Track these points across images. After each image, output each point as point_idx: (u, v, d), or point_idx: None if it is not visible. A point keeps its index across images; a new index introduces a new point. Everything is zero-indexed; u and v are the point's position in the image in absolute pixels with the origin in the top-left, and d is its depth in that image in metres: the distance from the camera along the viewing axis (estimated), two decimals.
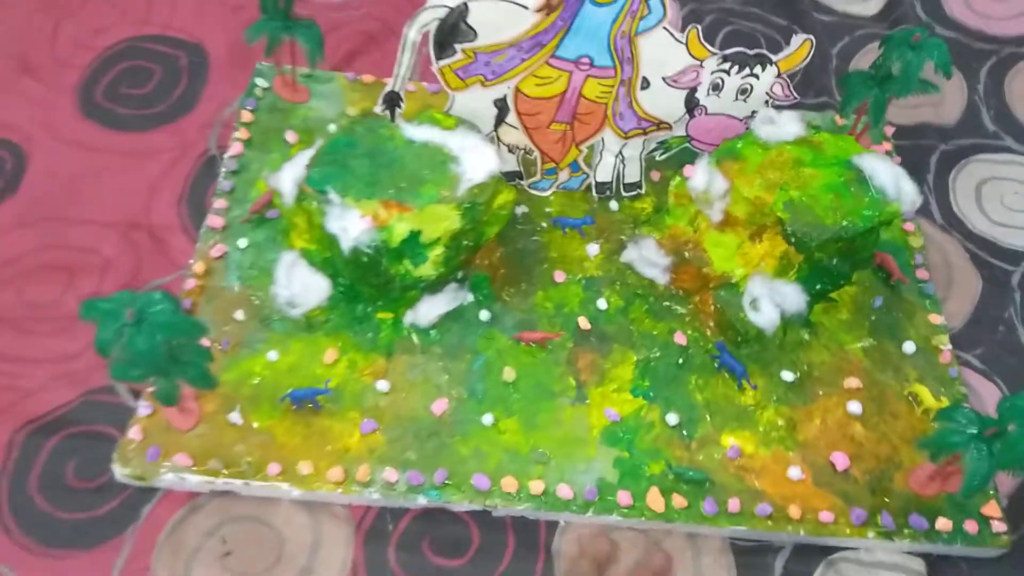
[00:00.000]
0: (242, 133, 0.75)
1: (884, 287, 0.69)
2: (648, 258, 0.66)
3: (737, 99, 0.66)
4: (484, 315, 0.63)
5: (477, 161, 0.59)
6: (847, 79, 0.72)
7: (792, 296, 0.61)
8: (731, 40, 0.93)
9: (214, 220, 0.69)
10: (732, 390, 0.62)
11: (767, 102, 0.66)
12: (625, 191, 0.73)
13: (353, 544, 0.56)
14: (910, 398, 0.63)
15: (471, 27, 0.60)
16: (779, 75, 0.65)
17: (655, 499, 0.56)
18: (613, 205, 0.73)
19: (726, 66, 0.64)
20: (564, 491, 0.56)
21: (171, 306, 0.49)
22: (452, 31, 0.60)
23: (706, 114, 0.67)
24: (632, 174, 0.73)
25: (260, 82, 0.79)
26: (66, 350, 0.64)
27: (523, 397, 0.60)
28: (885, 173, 0.59)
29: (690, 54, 0.63)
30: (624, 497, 0.56)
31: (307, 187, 0.58)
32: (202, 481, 0.56)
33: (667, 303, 0.66)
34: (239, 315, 0.62)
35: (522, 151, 0.70)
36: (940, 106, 0.88)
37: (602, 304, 0.65)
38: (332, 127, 0.74)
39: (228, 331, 0.62)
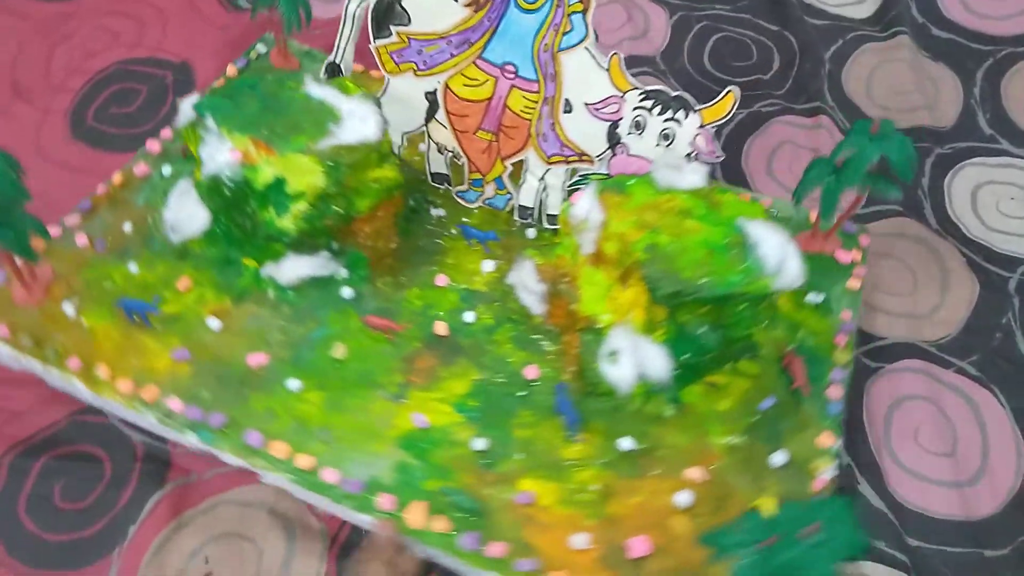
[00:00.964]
0: (219, 82, 0.76)
1: (784, 391, 0.59)
2: (525, 283, 0.62)
3: (659, 144, 0.61)
4: (347, 292, 0.62)
5: (356, 126, 0.59)
6: (810, 166, 0.65)
7: (655, 359, 0.56)
8: (722, 47, 0.93)
9: (152, 144, 0.70)
10: (559, 438, 0.57)
11: (689, 155, 0.61)
12: (547, 222, 0.70)
13: (326, 559, 0.56)
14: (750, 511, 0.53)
15: (405, 10, 0.61)
16: (703, 126, 0.60)
17: (416, 514, 0.52)
18: (531, 232, 0.70)
19: (648, 103, 0.60)
20: (329, 475, 0.53)
21: (4, 166, 0.52)
22: (388, 11, 0.61)
23: (628, 154, 0.63)
24: (554, 205, 0.69)
25: (260, 47, 0.80)
26: None
27: (342, 377, 0.58)
28: (772, 245, 0.54)
29: (612, 83, 0.60)
30: (386, 501, 0.53)
31: (193, 110, 0.59)
32: (10, 354, 0.56)
33: (536, 336, 0.62)
34: (127, 227, 0.64)
35: (450, 154, 0.69)
36: (935, 109, 0.87)
37: (469, 317, 0.63)
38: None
39: (110, 238, 0.64)
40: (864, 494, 0.61)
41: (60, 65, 0.87)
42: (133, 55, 0.88)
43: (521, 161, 0.67)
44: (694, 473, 0.55)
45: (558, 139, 0.64)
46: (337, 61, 0.66)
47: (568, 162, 0.65)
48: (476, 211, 0.71)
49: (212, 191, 0.59)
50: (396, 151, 0.70)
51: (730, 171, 0.81)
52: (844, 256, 0.67)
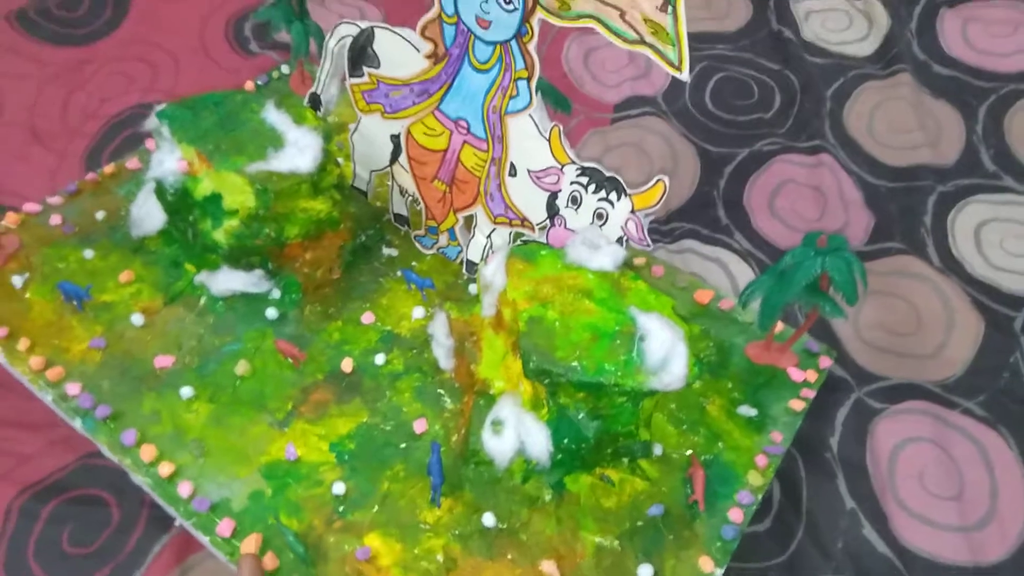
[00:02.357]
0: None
1: (680, 503, 0.56)
2: (437, 335, 0.61)
3: (594, 222, 0.59)
4: (271, 313, 0.63)
5: (292, 156, 0.60)
6: (761, 275, 0.62)
7: (536, 437, 0.53)
8: (724, 86, 0.94)
9: (151, 142, 0.72)
10: (424, 499, 0.55)
11: (620, 240, 0.58)
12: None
13: None
14: None
15: (375, 54, 0.63)
16: (633, 211, 0.57)
17: (250, 546, 0.51)
18: (473, 288, 0.70)
19: (583, 180, 0.58)
20: (184, 488, 0.53)
21: None
22: (361, 52, 0.63)
23: (565, 227, 0.61)
24: None
25: (284, 68, 0.83)
26: None
27: (234, 395, 0.58)
28: (660, 341, 0.51)
29: (552, 154, 0.59)
30: (226, 528, 0.52)
31: (155, 117, 0.62)
32: None
33: (440, 391, 0.61)
34: (100, 215, 0.67)
35: (411, 198, 0.71)
36: (937, 146, 0.87)
37: (379, 360, 0.62)
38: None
39: (81, 223, 0.66)
40: (869, 539, 0.61)
41: (76, 110, 0.89)
42: (147, 99, 0.90)
43: (472, 216, 0.67)
44: (547, 567, 0.52)
45: (503, 200, 0.64)
46: (318, 92, 0.68)
47: (512, 225, 0.65)
48: (429, 258, 0.71)
49: (159, 195, 0.63)
50: (364, 187, 0.72)
51: (733, 209, 0.82)
52: (796, 374, 0.64)
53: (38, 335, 0.59)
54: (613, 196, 0.57)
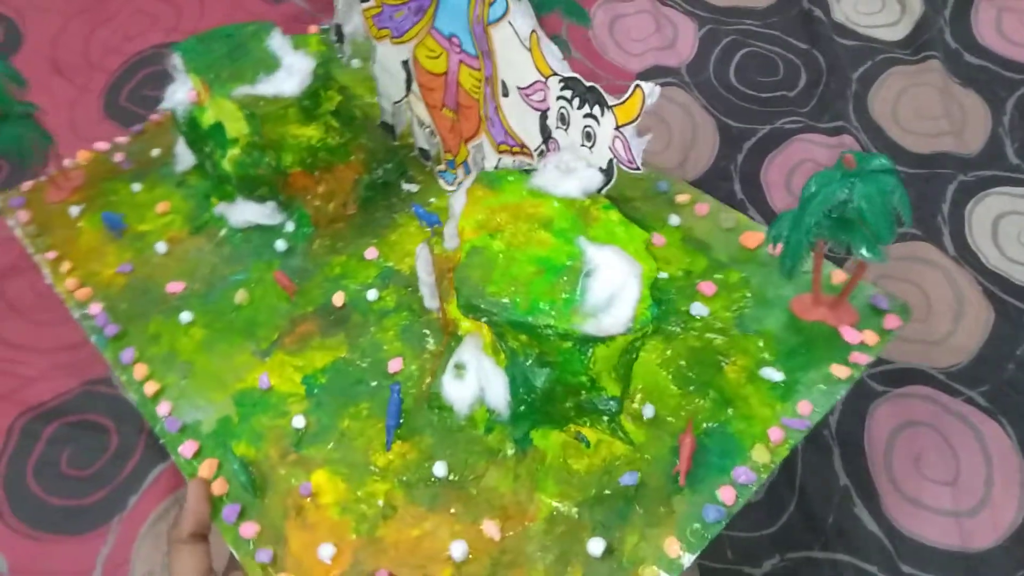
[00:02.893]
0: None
1: (661, 474, 0.48)
2: (420, 272, 0.57)
3: (583, 145, 0.51)
4: (280, 245, 0.63)
5: (280, 80, 0.59)
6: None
7: (494, 383, 0.49)
8: (748, 61, 0.93)
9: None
10: (380, 441, 0.52)
11: (610, 163, 0.50)
12: None
13: None
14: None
15: None
16: (618, 128, 0.49)
17: (205, 470, 0.50)
18: None
19: (567, 93, 0.51)
20: (163, 407, 0.54)
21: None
22: None
23: (558, 151, 0.54)
24: None
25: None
26: (70, 339, 0.66)
27: (229, 322, 0.58)
28: (607, 279, 0.45)
29: (535, 66, 0.52)
30: (188, 449, 0.52)
31: (173, 50, 0.63)
32: (20, 238, 0.64)
33: (426, 331, 0.58)
34: (155, 153, 0.69)
35: (428, 129, 0.67)
36: (962, 135, 0.86)
37: (371, 295, 0.60)
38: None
39: (138, 160, 0.69)
40: (860, 517, 0.61)
41: (99, 45, 0.89)
42: (170, 39, 0.90)
43: (480, 145, 0.63)
44: (490, 527, 0.48)
45: (501, 126, 0.58)
46: (340, 22, 0.67)
47: (513, 153, 0.58)
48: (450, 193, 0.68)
49: (176, 126, 0.64)
50: (389, 120, 0.70)
51: (749, 184, 0.81)
52: (850, 335, 0.52)
53: (80, 259, 0.62)
54: (597, 111, 0.49)
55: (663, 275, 0.56)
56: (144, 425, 0.62)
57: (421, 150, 0.68)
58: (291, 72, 0.60)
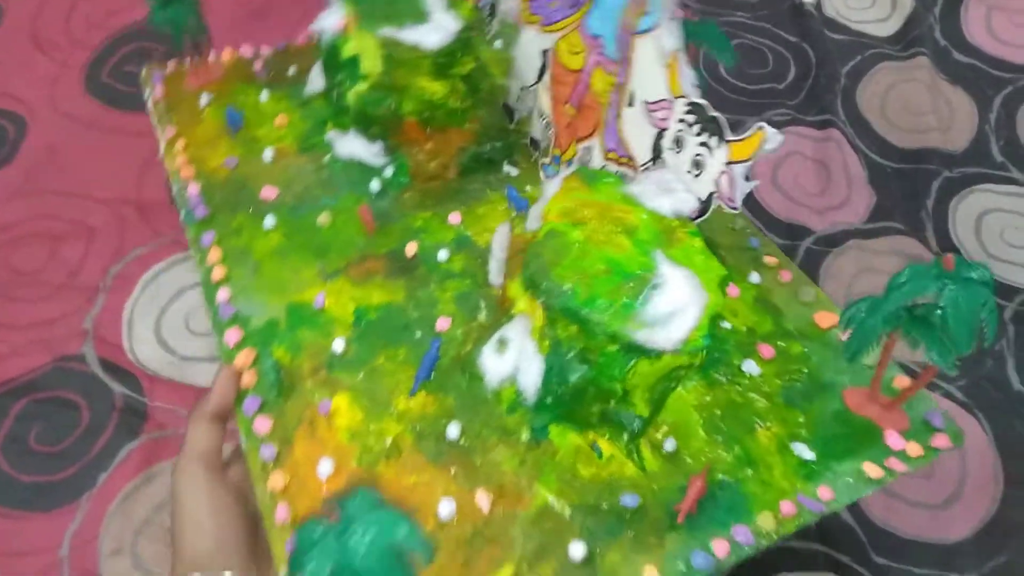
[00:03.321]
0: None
1: (662, 507, 0.48)
2: (494, 248, 0.59)
3: (690, 171, 0.52)
4: (374, 185, 0.65)
5: (423, 31, 0.61)
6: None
7: (530, 367, 0.50)
8: (738, 54, 0.93)
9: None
10: (406, 387, 0.53)
11: (710, 196, 0.50)
12: None
13: None
14: None
15: None
16: (729, 162, 0.49)
17: (242, 359, 0.53)
18: None
19: (690, 118, 0.51)
20: (222, 294, 0.57)
21: None
22: None
23: (663, 171, 0.55)
24: None
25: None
26: (44, 316, 0.66)
27: (306, 240, 0.61)
28: (672, 297, 0.45)
29: (667, 84, 0.53)
30: (233, 336, 0.54)
31: None
32: (151, 111, 0.69)
33: (482, 302, 0.58)
34: (292, 70, 0.73)
35: (545, 121, 0.68)
36: (948, 132, 0.86)
37: (442, 255, 0.61)
38: None
39: (275, 71, 0.73)
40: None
41: (81, 20, 0.88)
42: None
43: (590, 148, 0.64)
44: (481, 497, 0.48)
45: (616, 133, 0.59)
46: (493, 1, 0.68)
47: (619, 162, 0.59)
48: None
49: (319, 50, 0.66)
50: (512, 102, 0.70)
51: None
52: (895, 441, 0.50)
53: (194, 142, 0.66)
54: (713, 141, 0.49)
55: (726, 324, 0.56)
56: (116, 403, 0.61)
57: (533, 139, 0.69)
58: (437, 28, 0.61)
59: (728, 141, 0.48)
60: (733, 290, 0.58)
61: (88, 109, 0.80)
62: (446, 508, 0.47)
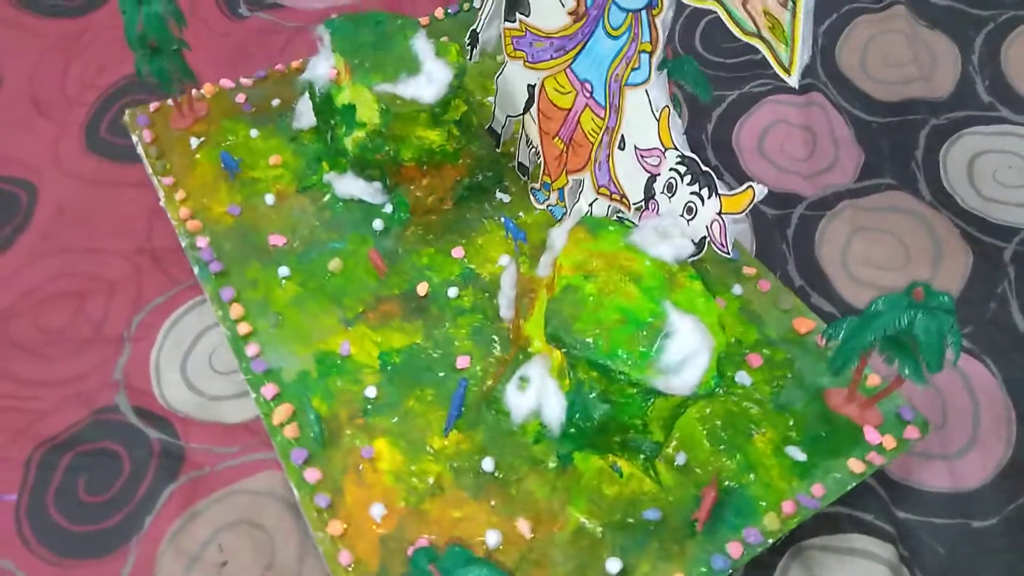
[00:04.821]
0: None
1: (681, 518, 0.54)
2: (503, 285, 0.63)
3: (683, 216, 0.57)
4: (377, 224, 0.68)
5: (420, 85, 0.64)
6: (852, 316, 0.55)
7: (553, 403, 0.54)
8: (713, 28, 0.93)
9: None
10: (439, 426, 0.58)
11: (703, 240, 0.55)
12: None
13: None
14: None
15: (528, 1, 0.64)
16: (719, 213, 0.54)
17: (281, 414, 0.57)
18: None
19: (681, 168, 0.56)
20: (251, 348, 0.60)
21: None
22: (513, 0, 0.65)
23: (657, 213, 0.60)
24: None
25: (475, 2, 0.82)
26: (76, 371, 0.69)
27: (321, 286, 0.64)
28: (683, 344, 0.49)
29: (659, 135, 0.57)
30: (269, 391, 0.58)
31: (323, 26, 0.68)
32: (144, 158, 0.72)
33: (495, 337, 0.63)
34: (275, 103, 0.76)
35: (533, 149, 0.72)
36: (931, 80, 0.86)
37: (452, 292, 0.65)
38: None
39: (258, 105, 0.75)
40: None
41: (74, 80, 0.91)
42: None
43: (581, 181, 0.68)
44: (522, 525, 0.53)
45: (609, 172, 0.64)
46: (478, 30, 0.70)
47: (611, 199, 0.64)
48: (537, 212, 0.73)
49: (311, 95, 0.70)
50: (500, 129, 0.74)
51: (722, 151, 0.82)
52: (872, 435, 0.58)
53: (194, 190, 0.68)
54: (705, 192, 0.54)
55: None
56: (154, 449, 0.65)
57: (521, 164, 0.73)
58: (431, 79, 0.64)
59: (720, 195, 0.53)
60: (720, 302, 0.62)
61: (91, 166, 0.83)
62: (493, 538, 0.52)
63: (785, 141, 0.82)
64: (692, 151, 0.56)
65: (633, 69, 0.57)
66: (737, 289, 0.65)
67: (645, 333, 0.50)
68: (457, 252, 0.68)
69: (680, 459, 0.56)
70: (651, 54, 0.55)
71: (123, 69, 0.90)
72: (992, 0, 0.92)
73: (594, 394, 0.52)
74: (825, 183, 0.79)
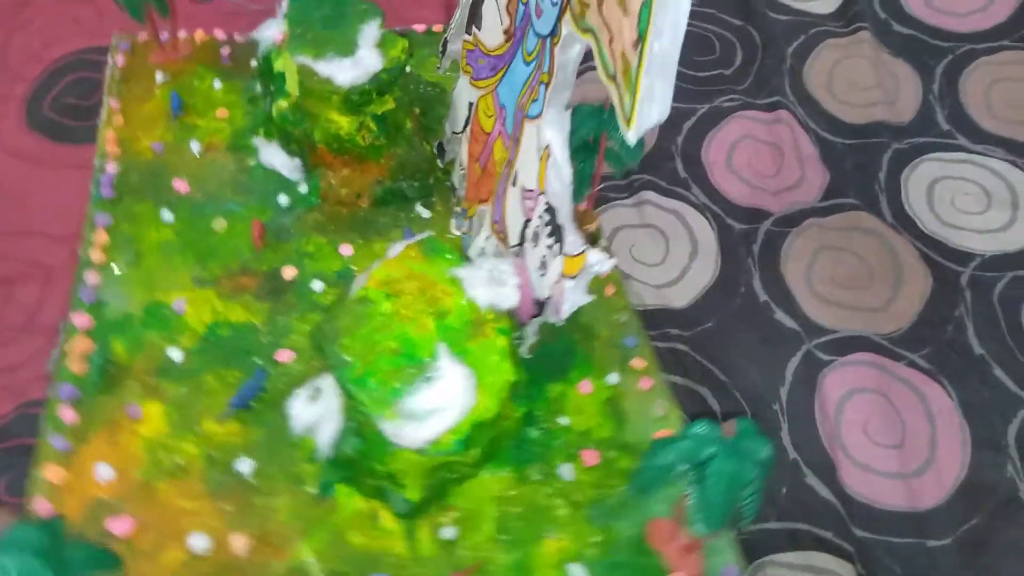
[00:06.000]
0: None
1: None
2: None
3: (538, 269, 0.50)
4: (283, 200, 0.65)
5: (342, 67, 0.61)
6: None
7: (330, 424, 0.50)
8: (685, 42, 0.93)
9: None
10: (223, 410, 0.53)
11: (547, 300, 0.49)
12: None
13: None
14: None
15: (483, 14, 0.60)
16: (561, 276, 0.47)
17: (81, 345, 0.54)
18: None
19: (547, 216, 0.49)
20: (91, 277, 0.58)
21: None
22: (474, 10, 0.61)
23: (524, 261, 0.53)
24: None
25: None
26: (4, 362, 0.64)
27: (194, 240, 0.62)
28: (437, 396, 0.45)
29: (537, 177, 0.51)
30: (83, 320, 0.56)
31: None
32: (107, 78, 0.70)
33: None
34: (254, 63, 0.72)
35: (463, 172, 0.69)
36: (894, 105, 0.88)
37: (317, 287, 0.61)
38: None
39: (237, 62, 0.73)
40: (812, 486, 0.62)
41: (17, 53, 0.86)
42: (93, 43, 0.86)
43: (484, 212, 0.63)
44: (238, 541, 0.48)
45: (501, 209, 0.57)
46: (448, 39, 0.67)
47: (499, 237, 0.57)
48: (455, 236, 0.68)
49: (257, 57, 0.68)
50: (444, 143, 0.70)
51: (691, 164, 0.82)
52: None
53: (133, 120, 0.66)
54: (556, 248, 0.48)
55: (565, 421, 0.54)
56: None
57: (452, 185, 0.68)
58: (357, 65, 0.61)
59: (564, 254, 0.46)
60: (586, 386, 0.56)
61: (32, 145, 0.78)
62: (200, 543, 0.47)
63: (753, 157, 0.83)
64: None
65: (532, 100, 0.51)
66: (613, 378, 0.56)
67: (413, 371, 0.45)
68: (345, 250, 0.64)
69: (449, 533, 0.49)
70: (547, 85, 0.48)
71: (73, 43, 0.86)
72: (950, 32, 0.95)
73: (351, 424, 0.47)
74: (791, 200, 0.80)
